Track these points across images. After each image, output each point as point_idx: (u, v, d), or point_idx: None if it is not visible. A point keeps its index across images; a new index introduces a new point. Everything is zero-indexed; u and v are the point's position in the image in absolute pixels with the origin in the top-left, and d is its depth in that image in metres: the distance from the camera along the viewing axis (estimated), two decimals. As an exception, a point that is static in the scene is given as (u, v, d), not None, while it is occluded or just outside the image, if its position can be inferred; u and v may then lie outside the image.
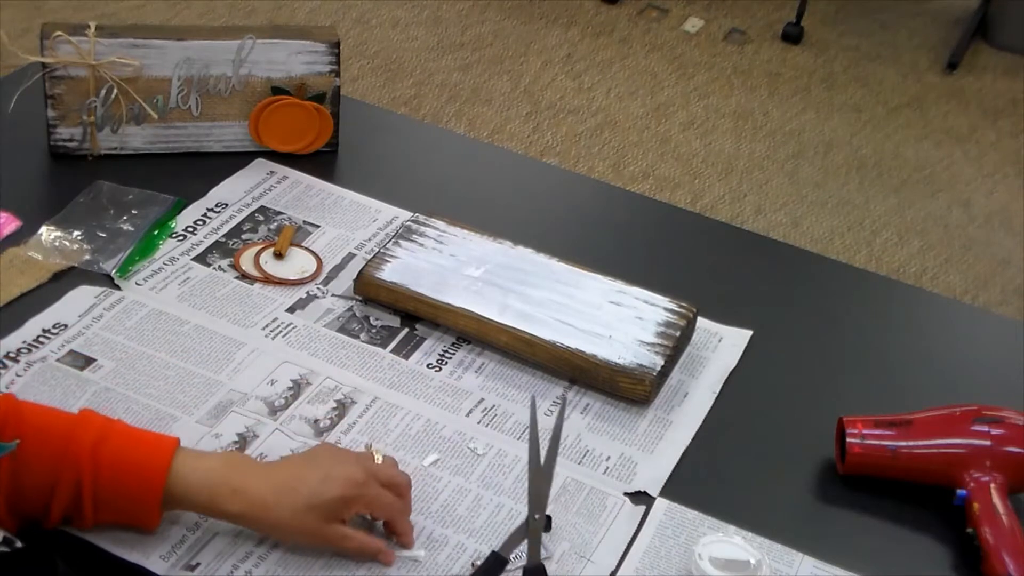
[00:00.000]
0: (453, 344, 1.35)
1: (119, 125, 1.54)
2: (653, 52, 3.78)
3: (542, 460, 1.08)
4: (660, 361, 1.30)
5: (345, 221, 1.52)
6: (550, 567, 1.11)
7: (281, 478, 1.08)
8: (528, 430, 1.12)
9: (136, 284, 1.38)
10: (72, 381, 1.24)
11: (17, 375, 1.23)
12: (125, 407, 1.21)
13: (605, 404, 1.30)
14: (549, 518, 1.15)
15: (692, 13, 3.99)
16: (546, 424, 1.27)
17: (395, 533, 1.11)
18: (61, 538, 1.07)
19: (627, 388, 1.29)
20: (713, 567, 1.06)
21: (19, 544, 0.92)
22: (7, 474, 1.03)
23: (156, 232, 1.46)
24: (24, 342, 1.28)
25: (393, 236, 1.44)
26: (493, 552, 1.08)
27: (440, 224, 1.45)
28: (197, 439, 1.19)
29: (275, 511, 1.06)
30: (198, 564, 1.08)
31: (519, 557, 1.08)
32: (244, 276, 1.42)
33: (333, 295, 1.41)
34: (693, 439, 1.27)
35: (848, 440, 1.22)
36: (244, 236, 1.47)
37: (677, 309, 1.36)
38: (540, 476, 1.08)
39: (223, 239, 1.47)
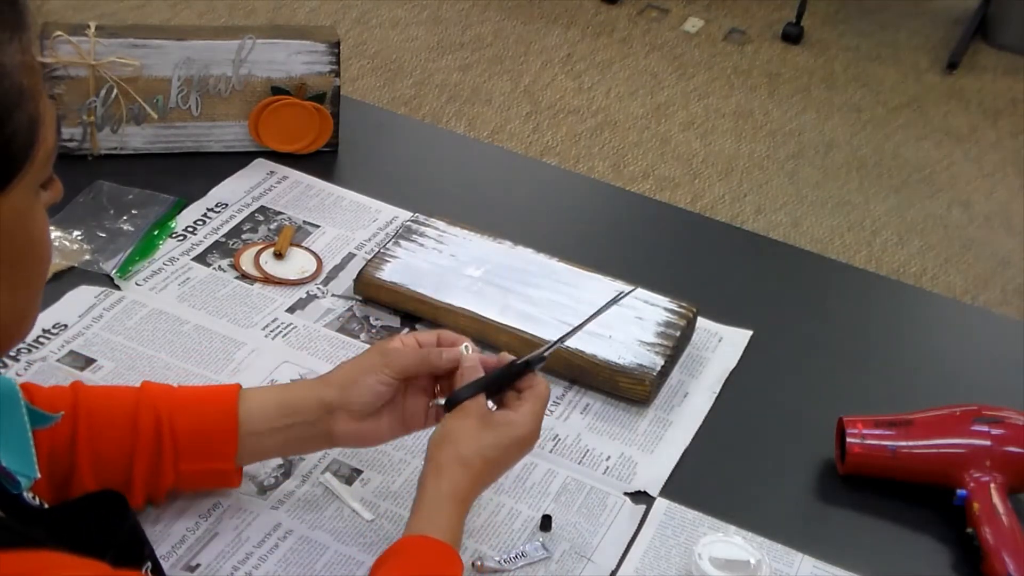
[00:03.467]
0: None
1: (119, 125, 1.54)
2: (653, 52, 3.78)
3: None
4: (660, 361, 1.30)
5: (345, 221, 1.52)
6: (550, 567, 1.11)
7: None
8: None
9: (136, 284, 1.38)
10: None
11: (17, 375, 1.23)
12: (125, 407, 1.21)
13: (605, 404, 1.30)
14: (549, 518, 1.15)
15: (692, 13, 3.99)
16: (546, 424, 1.27)
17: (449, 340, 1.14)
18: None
19: (627, 388, 1.29)
20: (713, 567, 1.06)
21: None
22: (87, 447, 1.05)
23: (156, 232, 1.46)
24: (24, 342, 1.28)
25: (393, 236, 1.44)
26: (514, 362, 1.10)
27: (440, 224, 1.45)
28: (197, 439, 1.19)
29: (343, 368, 1.11)
30: (198, 564, 1.08)
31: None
32: (244, 276, 1.42)
33: (333, 295, 1.41)
34: (693, 439, 1.27)
35: (848, 440, 1.22)
36: (244, 236, 1.47)
37: (677, 309, 1.36)
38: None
39: (223, 239, 1.47)
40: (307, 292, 1.41)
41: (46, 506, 0.86)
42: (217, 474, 1.10)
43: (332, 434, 1.10)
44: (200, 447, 1.08)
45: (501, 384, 1.09)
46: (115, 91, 1.50)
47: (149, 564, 0.91)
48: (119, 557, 0.81)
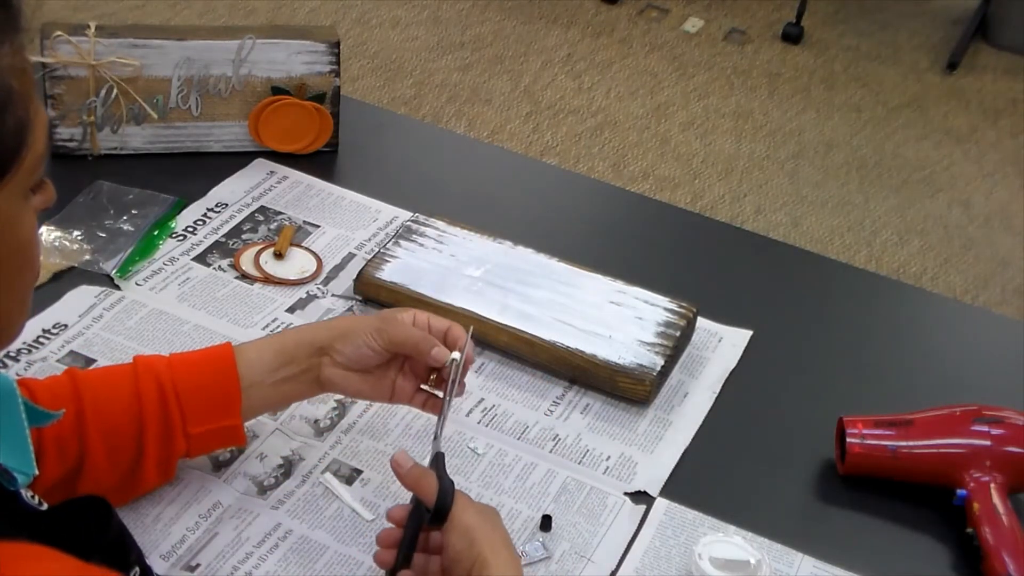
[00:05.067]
0: (453, 344, 1.35)
1: (119, 125, 1.54)
2: (653, 52, 3.78)
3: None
4: (660, 361, 1.30)
5: (345, 221, 1.52)
6: (550, 567, 1.12)
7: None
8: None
9: (136, 284, 1.38)
10: (72, 381, 1.24)
11: (17, 375, 1.23)
12: (125, 407, 1.21)
13: (605, 404, 1.30)
14: (549, 518, 1.15)
15: (692, 13, 3.99)
16: (546, 424, 1.27)
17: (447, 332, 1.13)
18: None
19: (627, 388, 1.29)
20: (713, 567, 1.06)
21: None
22: (95, 424, 1.05)
23: (156, 232, 1.46)
24: (24, 342, 1.28)
25: (393, 236, 1.44)
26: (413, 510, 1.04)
27: (440, 224, 1.45)
28: (197, 439, 1.19)
29: (345, 317, 1.15)
30: (198, 564, 1.08)
31: None
32: (244, 276, 1.42)
33: (333, 295, 1.41)
34: (693, 439, 1.27)
35: (848, 440, 1.22)
36: (244, 236, 1.47)
37: (677, 309, 1.36)
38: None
39: (223, 239, 1.47)
40: (307, 292, 1.41)
41: (44, 506, 0.86)
42: (225, 432, 1.11)
43: (320, 378, 1.12)
44: (206, 406, 1.09)
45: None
46: (115, 91, 1.50)
47: (137, 570, 0.91)
48: (105, 562, 0.80)
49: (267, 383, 1.11)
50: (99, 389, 1.08)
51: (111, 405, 1.07)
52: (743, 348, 1.39)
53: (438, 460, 1.05)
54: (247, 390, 1.10)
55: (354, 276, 1.40)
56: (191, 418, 1.08)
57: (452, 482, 1.02)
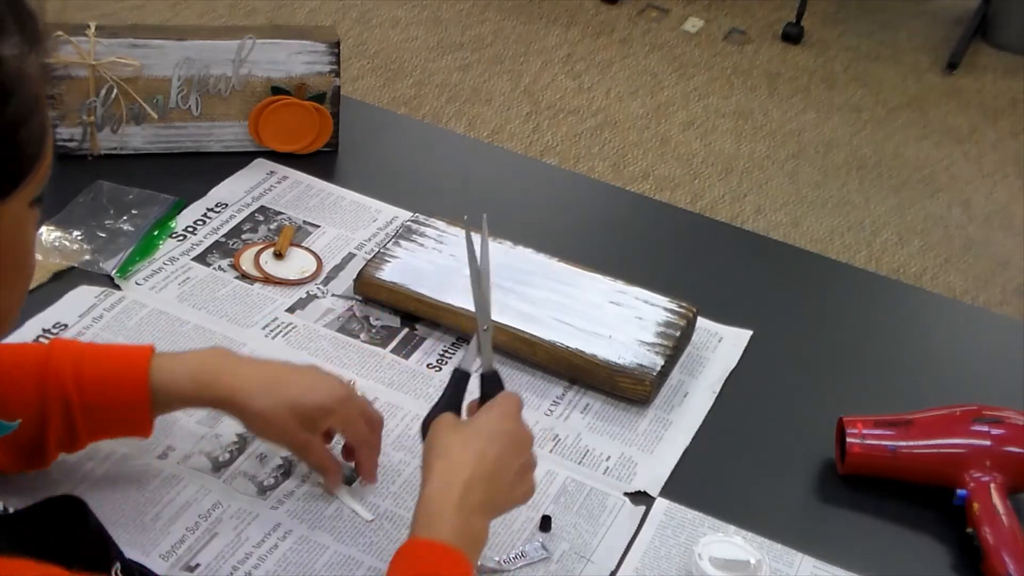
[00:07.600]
0: (453, 344, 1.35)
1: (119, 125, 1.54)
2: (653, 52, 3.78)
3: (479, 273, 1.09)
4: (660, 361, 1.30)
5: (345, 221, 1.52)
6: (550, 567, 1.12)
7: (268, 373, 1.11)
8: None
9: (136, 284, 1.38)
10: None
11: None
12: (125, 407, 1.21)
13: (605, 404, 1.30)
14: (549, 518, 1.15)
15: (692, 13, 3.99)
16: (546, 424, 1.27)
17: (360, 464, 1.15)
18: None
19: (627, 388, 1.29)
20: (713, 567, 1.06)
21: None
22: None
23: (156, 232, 1.46)
24: (24, 341, 1.28)
25: (393, 236, 1.44)
26: (456, 369, 1.09)
27: (440, 224, 1.45)
28: (197, 439, 1.19)
29: (259, 401, 1.08)
30: (198, 564, 1.08)
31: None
32: (244, 276, 1.42)
33: (333, 295, 1.41)
34: (693, 439, 1.27)
35: (848, 440, 1.22)
36: (244, 236, 1.47)
37: (677, 309, 1.36)
38: (480, 287, 1.08)
39: (223, 239, 1.47)
40: (307, 292, 1.41)
41: (10, 510, 0.85)
42: (130, 433, 1.12)
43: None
44: (111, 421, 1.09)
45: (461, 398, 1.09)
46: (115, 91, 1.50)
47: (119, 565, 0.91)
48: (87, 561, 0.80)
49: (179, 400, 1.11)
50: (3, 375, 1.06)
51: (12, 398, 1.05)
52: (743, 348, 1.39)
53: (455, 373, 1.08)
54: (159, 405, 1.09)
55: (354, 276, 1.40)
56: (97, 431, 1.09)
57: (448, 404, 1.06)
